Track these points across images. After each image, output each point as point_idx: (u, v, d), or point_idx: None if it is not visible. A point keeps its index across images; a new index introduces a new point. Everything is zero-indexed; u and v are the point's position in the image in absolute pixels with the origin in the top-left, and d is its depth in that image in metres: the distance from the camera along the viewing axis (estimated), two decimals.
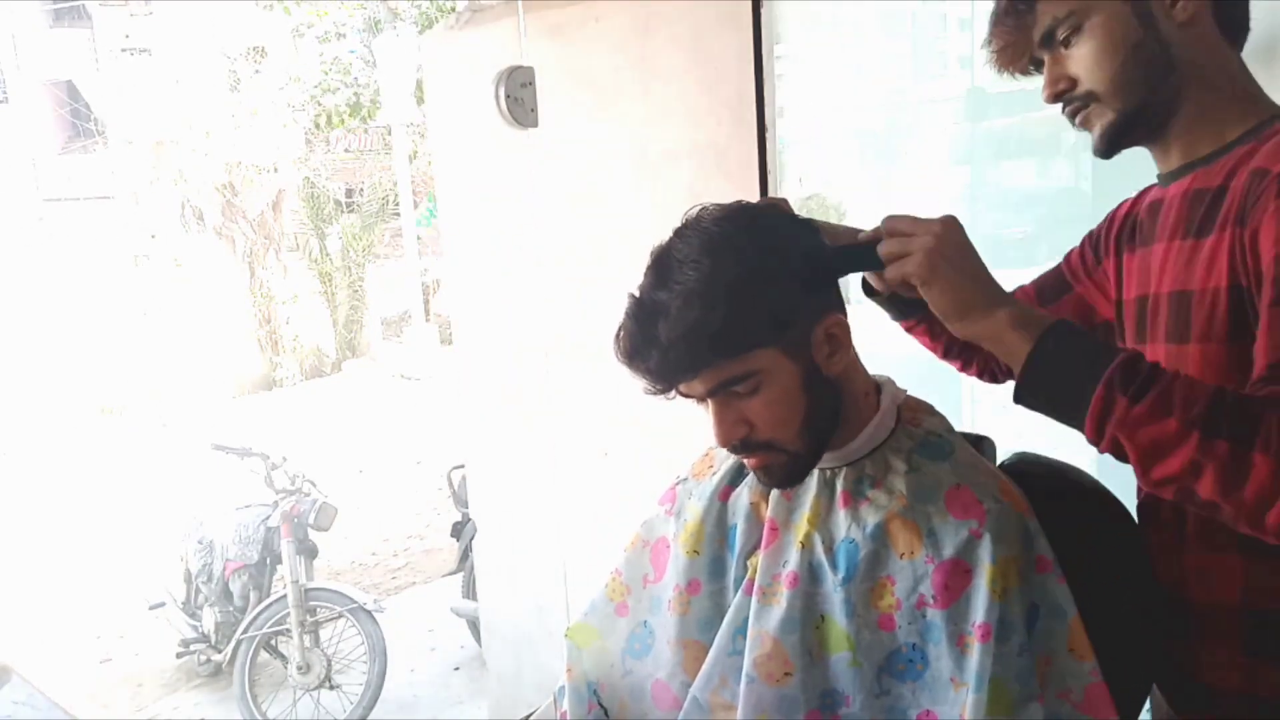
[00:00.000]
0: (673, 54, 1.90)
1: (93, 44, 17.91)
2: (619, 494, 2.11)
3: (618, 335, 0.81)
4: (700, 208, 0.84)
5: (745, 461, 0.87)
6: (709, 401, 0.82)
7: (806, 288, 0.82)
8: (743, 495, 0.92)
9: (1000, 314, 0.77)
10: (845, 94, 2.04)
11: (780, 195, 1.80)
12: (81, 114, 15.57)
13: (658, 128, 1.96)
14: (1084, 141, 0.90)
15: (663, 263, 0.81)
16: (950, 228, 0.80)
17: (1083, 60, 0.84)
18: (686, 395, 0.83)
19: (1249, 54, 0.88)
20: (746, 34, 1.75)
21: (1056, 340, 0.75)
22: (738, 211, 0.83)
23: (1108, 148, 0.87)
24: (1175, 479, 0.69)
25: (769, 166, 1.78)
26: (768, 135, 1.78)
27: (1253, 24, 0.87)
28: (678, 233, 0.83)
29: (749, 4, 1.74)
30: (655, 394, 0.80)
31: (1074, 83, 0.86)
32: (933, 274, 0.78)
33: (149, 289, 10.82)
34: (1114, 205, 1.02)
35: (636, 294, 0.82)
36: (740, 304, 0.77)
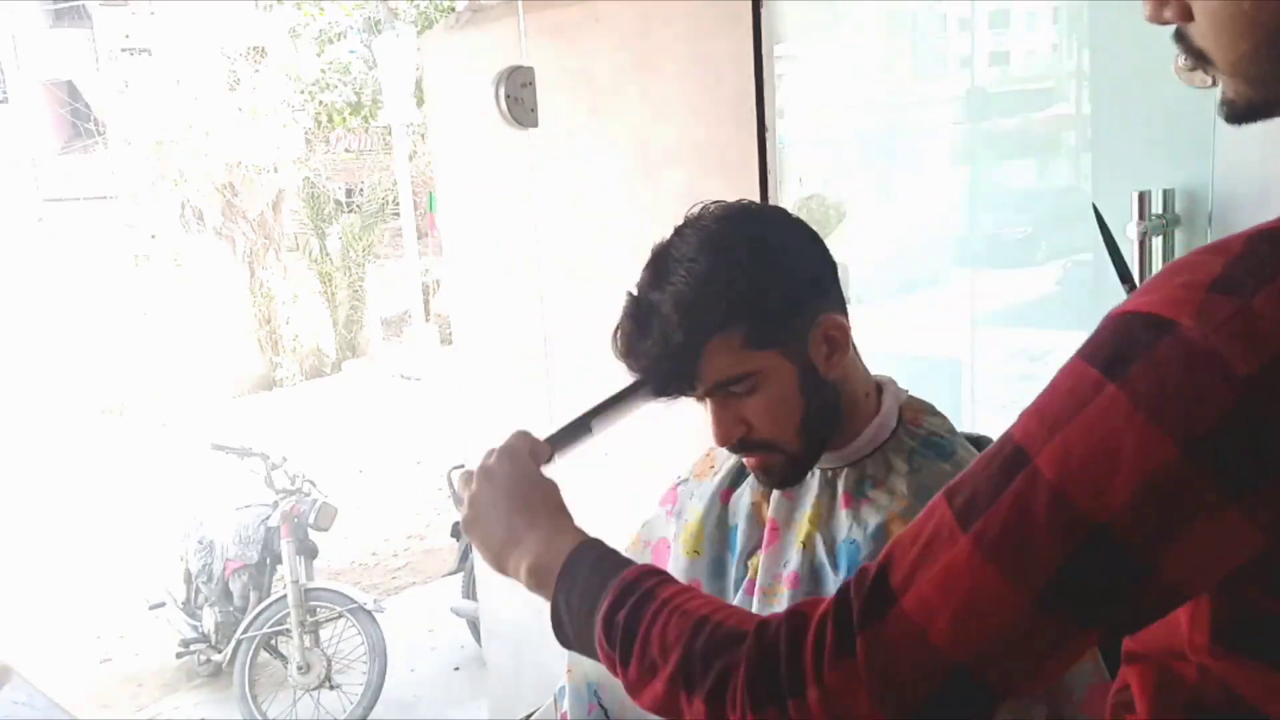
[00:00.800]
0: (673, 54, 1.90)
1: (93, 44, 17.91)
2: (619, 494, 2.11)
3: (615, 333, 0.82)
4: (702, 206, 0.84)
5: (744, 461, 0.87)
6: (707, 401, 0.82)
7: (804, 289, 0.81)
8: (744, 496, 0.92)
9: (522, 565, 0.69)
10: (845, 94, 2.04)
11: (780, 195, 1.80)
12: (81, 114, 15.56)
13: (658, 128, 1.96)
14: (1084, 141, 0.90)
15: (660, 261, 0.81)
16: (482, 477, 0.73)
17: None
18: (685, 394, 0.83)
19: None
20: (746, 34, 1.75)
21: (567, 589, 0.65)
22: (737, 211, 0.83)
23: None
24: None
25: (769, 166, 1.78)
26: (768, 135, 1.78)
27: None
28: (677, 231, 0.83)
29: (749, 4, 1.74)
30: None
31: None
32: (469, 532, 0.74)
33: (149, 289, 10.82)
34: (1114, 205, 1.00)
35: (634, 292, 0.82)
36: (735, 304, 0.77)
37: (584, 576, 0.65)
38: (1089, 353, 0.45)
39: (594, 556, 0.66)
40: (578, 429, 0.81)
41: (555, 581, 0.66)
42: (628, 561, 0.65)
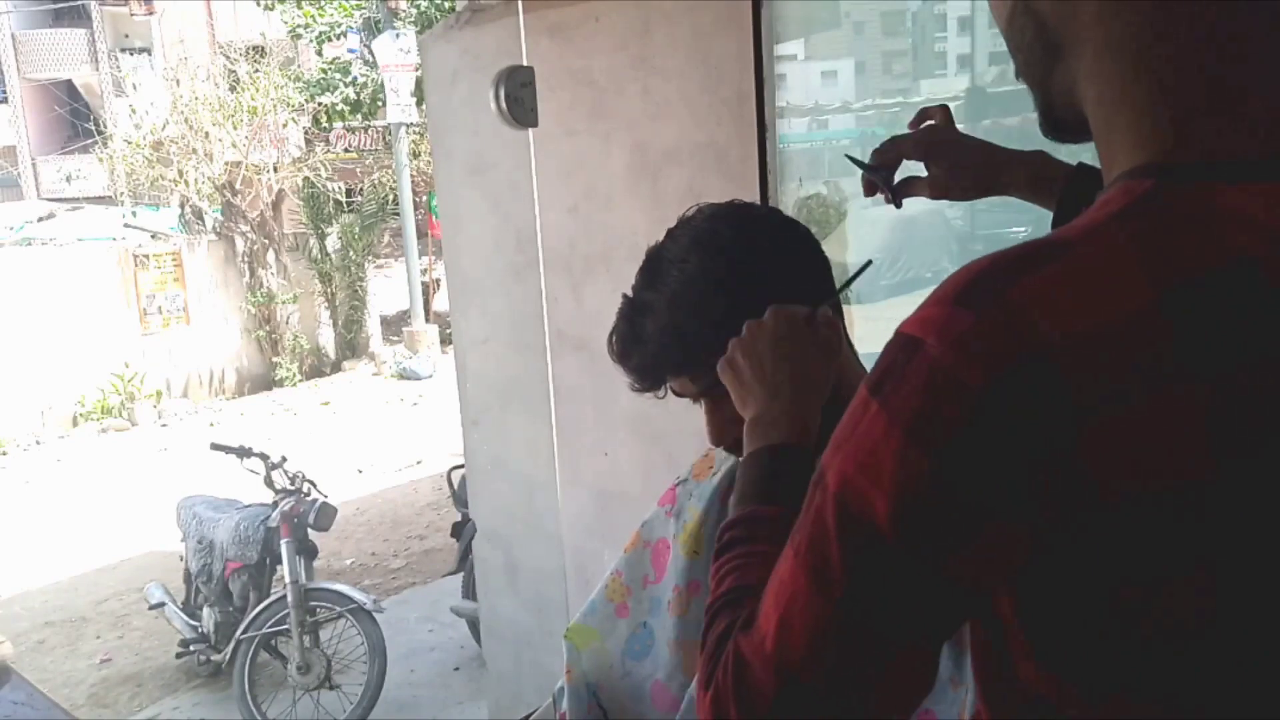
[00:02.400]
0: (673, 54, 1.90)
1: (92, 44, 17.92)
2: (619, 494, 2.11)
3: (610, 336, 0.82)
4: (696, 207, 0.84)
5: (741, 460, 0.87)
6: (702, 401, 0.82)
7: (796, 287, 0.81)
8: None
9: (747, 414, 0.73)
10: (845, 94, 2.04)
11: (780, 195, 1.80)
12: (81, 114, 15.57)
13: (658, 127, 1.96)
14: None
15: (653, 262, 0.82)
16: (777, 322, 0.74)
17: None
18: (680, 394, 0.83)
19: None
20: (746, 34, 1.75)
21: (754, 459, 0.70)
22: (728, 211, 0.83)
23: None
24: None
25: (769, 166, 1.78)
26: (768, 135, 1.78)
27: None
28: (670, 232, 0.83)
29: (749, 4, 1.74)
30: (642, 392, 0.80)
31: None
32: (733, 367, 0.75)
33: (149, 289, 10.82)
34: None
35: (629, 294, 0.82)
36: (726, 304, 0.77)
37: (751, 475, 0.69)
38: (869, 374, 0.48)
39: (771, 467, 0.69)
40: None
41: (745, 448, 0.71)
42: (784, 490, 0.68)
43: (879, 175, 0.88)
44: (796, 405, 0.72)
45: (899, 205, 0.92)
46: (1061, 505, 0.42)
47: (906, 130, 0.93)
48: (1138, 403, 0.41)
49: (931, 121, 0.91)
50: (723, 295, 0.78)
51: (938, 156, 0.90)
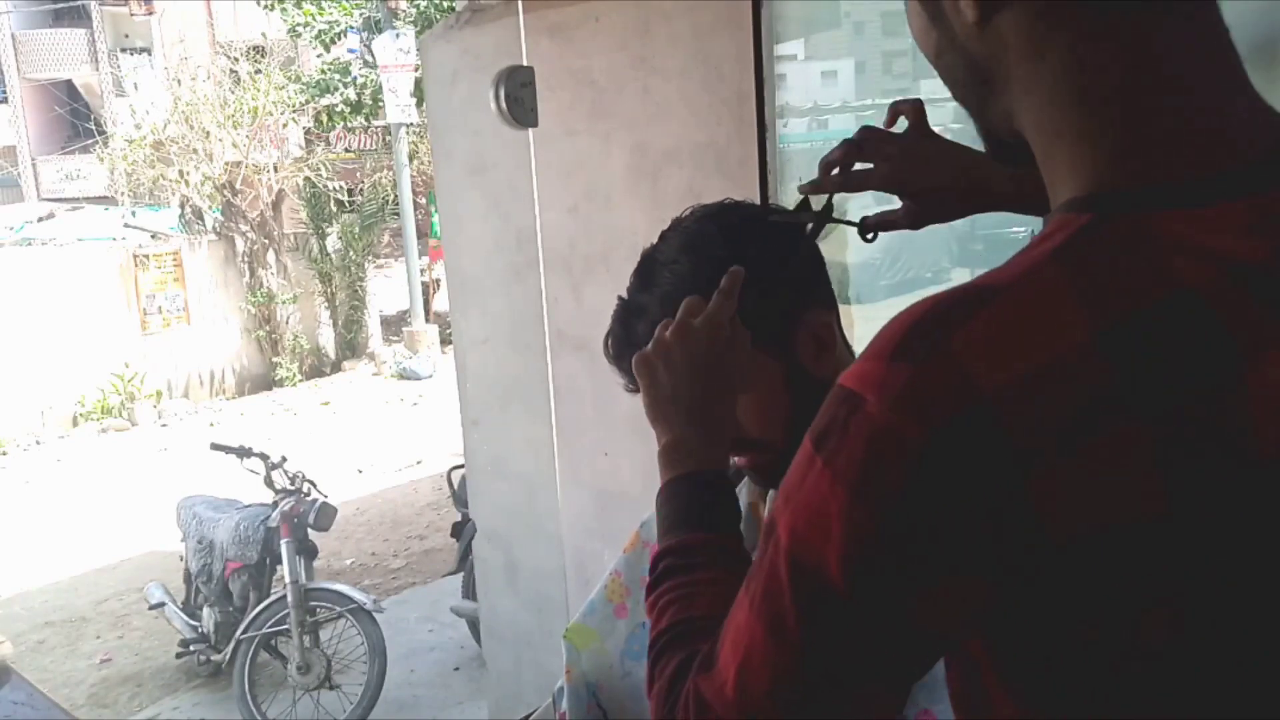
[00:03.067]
0: (673, 54, 1.90)
1: (92, 44, 17.92)
2: (619, 494, 2.11)
3: (605, 337, 0.82)
4: (690, 209, 0.84)
5: (735, 461, 0.87)
6: None
7: (787, 286, 0.81)
8: (740, 496, 0.92)
9: (660, 441, 0.71)
10: (845, 94, 2.04)
11: (780, 195, 1.80)
12: (81, 114, 15.58)
13: (658, 127, 1.96)
14: None
15: (646, 264, 0.82)
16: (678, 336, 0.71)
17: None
18: None
19: (1249, 59, 0.87)
20: (746, 34, 1.75)
21: (670, 488, 0.68)
22: (719, 210, 0.83)
23: None
24: None
25: (769, 166, 1.78)
26: (768, 135, 1.78)
27: (1253, 24, 0.84)
28: (663, 234, 0.83)
29: (749, 4, 1.74)
30: (636, 393, 0.80)
31: None
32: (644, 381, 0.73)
33: (149, 289, 10.82)
34: None
35: (624, 296, 0.82)
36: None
37: (675, 504, 0.68)
38: (813, 425, 0.47)
39: (694, 493, 0.68)
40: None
41: (662, 477, 0.69)
42: (713, 516, 0.67)
43: (818, 219, 0.81)
44: (712, 431, 0.70)
45: (871, 240, 0.87)
46: (1014, 553, 0.41)
47: (883, 130, 0.85)
48: (1081, 446, 0.40)
49: (894, 131, 0.84)
50: (699, 287, 0.77)
51: (909, 181, 0.82)
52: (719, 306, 0.72)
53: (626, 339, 0.80)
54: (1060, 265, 0.42)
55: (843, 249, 2.06)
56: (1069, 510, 0.40)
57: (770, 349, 0.79)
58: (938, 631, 0.45)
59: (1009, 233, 1.83)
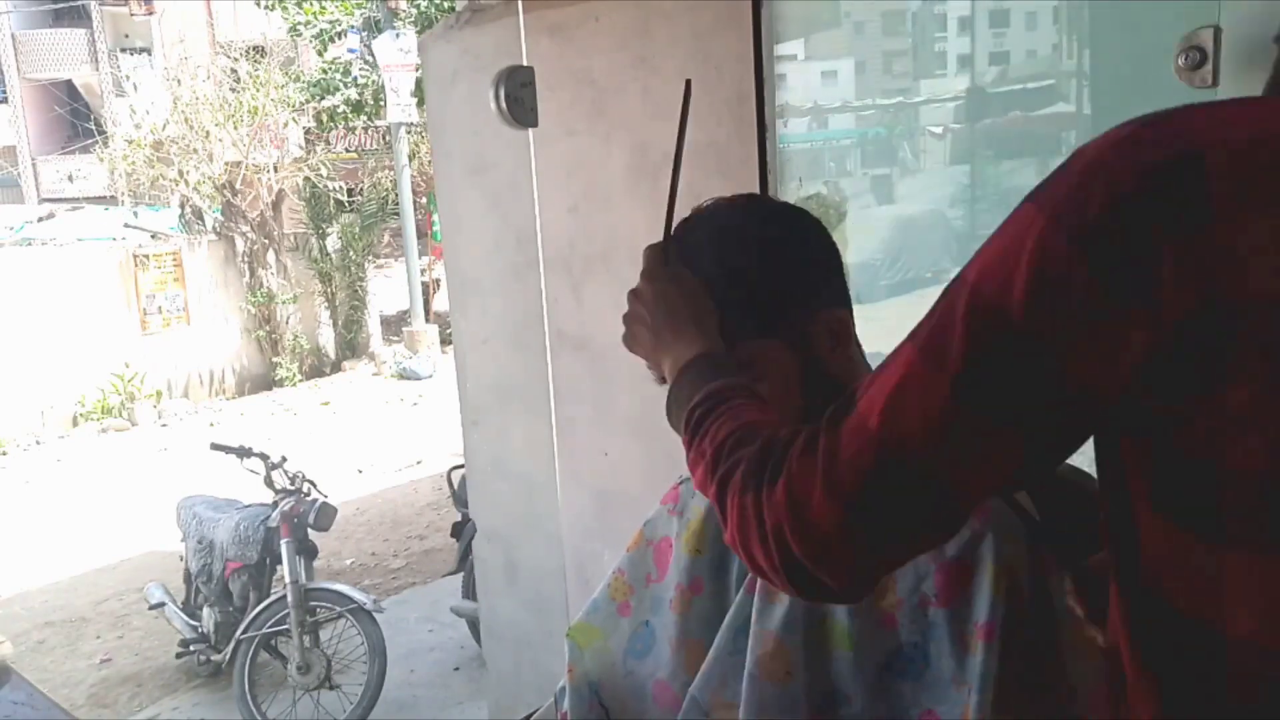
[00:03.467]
0: (673, 54, 1.90)
1: (92, 44, 17.92)
2: (619, 494, 2.11)
3: (625, 318, 0.83)
4: (711, 200, 0.85)
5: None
6: None
7: (806, 279, 0.82)
8: None
9: (665, 367, 0.77)
10: (845, 94, 2.04)
11: (780, 195, 1.80)
12: (81, 114, 15.57)
13: (658, 127, 1.96)
14: (1084, 141, 0.89)
15: (671, 228, 0.83)
16: (631, 299, 0.80)
17: None
18: None
19: (1250, 59, 0.87)
20: (746, 34, 1.75)
21: (683, 375, 0.74)
22: (746, 202, 0.84)
23: None
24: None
25: (769, 166, 1.78)
26: (768, 135, 1.78)
27: (1253, 24, 0.85)
28: (683, 221, 0.84)
29: (749, 4, 1.74)
30: (663, 383, 0.81)
31: None
32: (630, 348, 0.81)
33: (149, 289, 10.82)
34: None
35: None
36: (743, 291, 0.78)
37: (690, 378, 0.72)
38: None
39: (704, 365, 0.73)
40: (672, 202, 0.84)
41: (672, 380, 0.74)
42: (729, 372, 0.72)
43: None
44: (701, 334, 0.75)
45: None
46: (1189, 304, 0.42)
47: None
48: (1272, 214, 0.42)
49: None
50: (739, 284, 0.78)
51: None
52: (647, 269, 0.79)
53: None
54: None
55: (843, 249, 2.06)
56: (1253, 274, 0.42)
57: (788, 340, 0.79)
58: (1093, 388, 0.46)
59: None
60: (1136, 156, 0.44)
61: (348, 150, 13.74)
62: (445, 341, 11.10)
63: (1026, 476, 0.50)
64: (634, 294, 0.80)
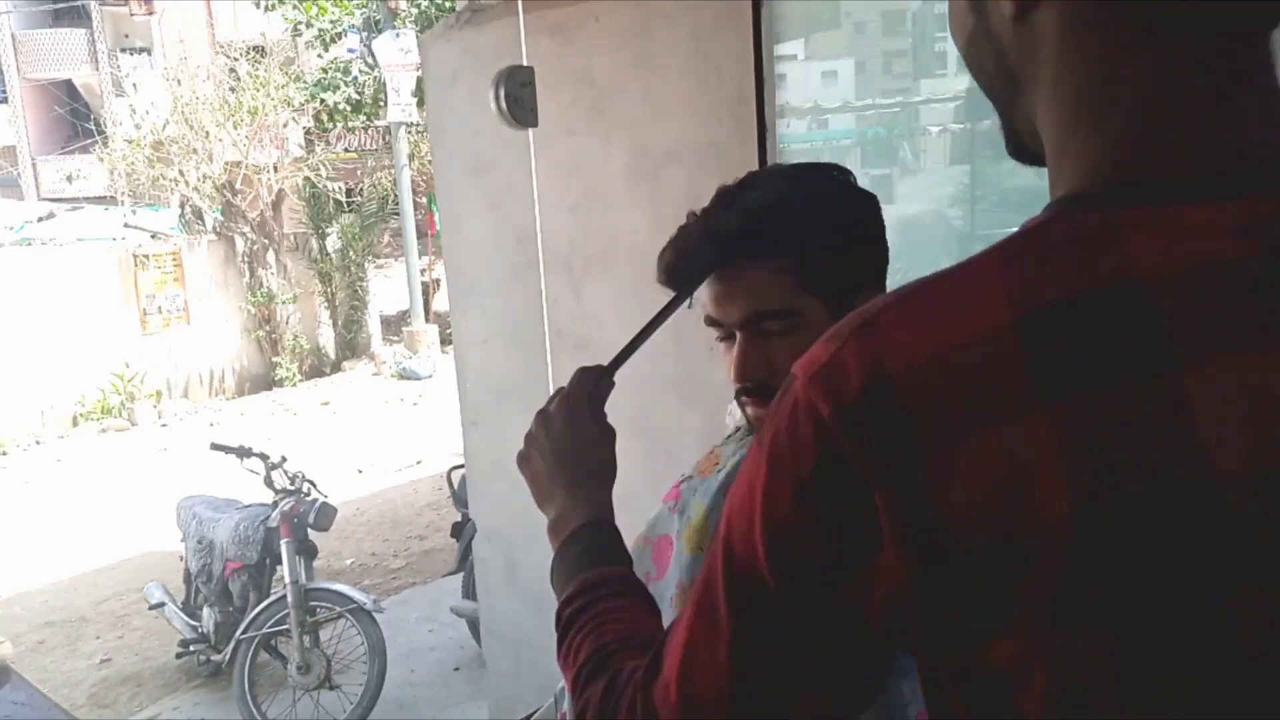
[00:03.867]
0: (673, 54, 1.90)
1: (92, 43, 17.92)
2: (619, 494, 2.11)
3: (661, 252, 0.80)
4: (774, 166, 0.86)
5: (747, 410, 0.86)
6: (737, 336, 0.81)
7: (869, 253, 0.83)
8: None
9: (546, 518, 0.75)
10: (845, 94, 2.04)
11: None
12: (81, 114, 15.57)
13: (658, 128, 1.96)
14: None
15: (732, 189, 0.81)
16: (540, 423, 0.78)
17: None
18: (718, 323, 0.82)
19: None
20: (746, 34, 1.75)
21: (556, 562, 0.71)
22: (826, 164, 0.85)
23: None
24: None
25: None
26: (768, 135, 1.78)
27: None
28: (751, 173, 0.83)
29: (749, 4, 1.74)
30: (671, 285, 0.78)
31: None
32: (520, 468, 0.80)
33: (149, 289, 10.82)
34: None
35: (696, 213, 0.82)
36: (805, 233, 0.78)
37: (570, 559, 0.70)
38: None
39: (585, 543, 0.71)
40: (629, 351, 0.80)
41: (554, 551, 0.73)
42: (607, 557, 0.69)
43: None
44: (594, 491, 0.74)
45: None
46: (920, 550, 0.39)
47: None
48: (982, 432, 0.37)
49: None
50: (804, 224, 0.78)
51: None
52: (569, 394, 0.76)
53: (724, 203, 0.79)
54: (999, 253, 0.41)
55: None
56: (968, 501, 0.38)
57: (832, 306, 0.79)
58: (867, 627, 0.42)
59: (1007, 232, 1.83)
60: (837, 391, 0.40)
61: (347, 150, 13.74)
62: (445, 341, 11.10)
63: (848, 708, 0.47)
64: (543, 417, 0.77)
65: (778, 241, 0.78)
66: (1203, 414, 0.37)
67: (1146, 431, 0.37)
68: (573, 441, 0.75)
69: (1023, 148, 0.49)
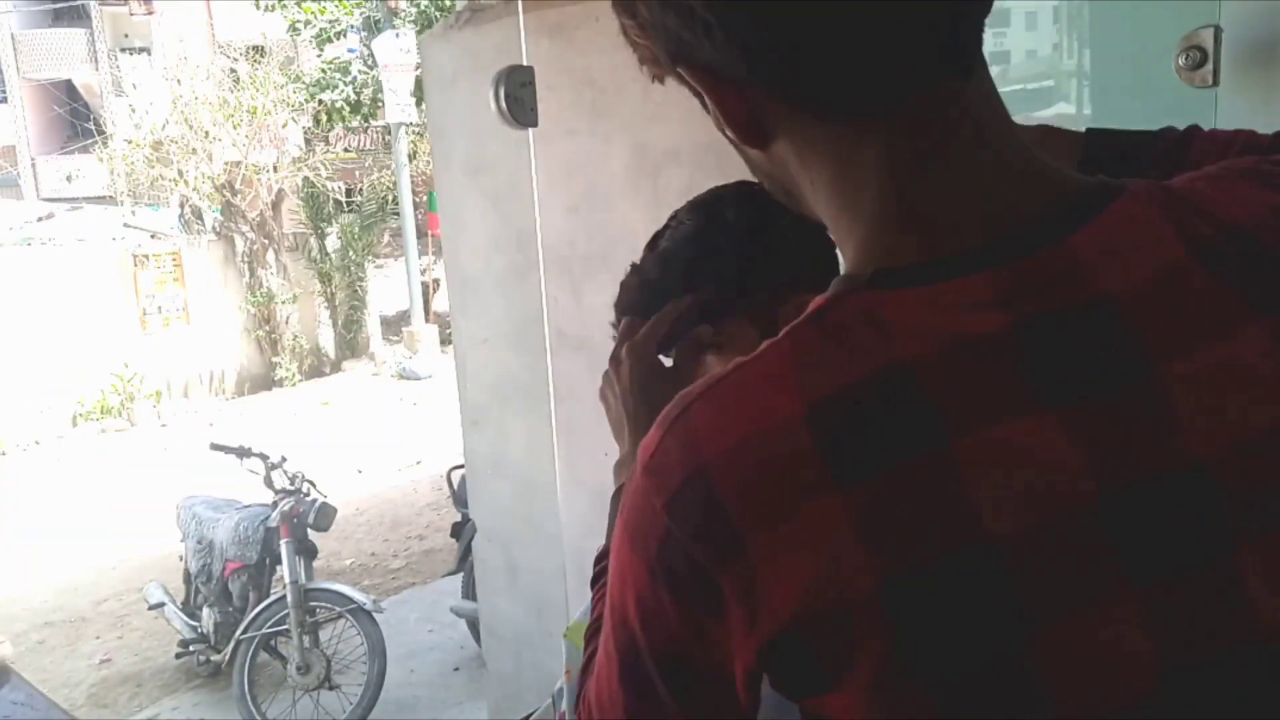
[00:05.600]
0: None
1: (92, 43, 17.92)
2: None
3: (616, 300, 0.85)
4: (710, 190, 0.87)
5: None
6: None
7: (785, 263, 0.82)
8: None
9: (620, 451, 0.78)
10: None
11: None
12: (80, 114, 15.58)
13: (657, 128, 1.96)
14: None
15: (656, 234, 0.85)
16: (613, 369, 0.80)
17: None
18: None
19: (1250, 59, 0.86)
20: None
21: (616, 496, 0.73)
22: (734, 185, 0.86)
23: None
24: None
25: None
26: None
27: (1253, 24, 0.84)
28: (667, 221, 0.87)
29: None
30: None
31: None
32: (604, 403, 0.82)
33: (149, 289, 10.82)
34: None
35: (635, 261, 0.86)
36: (711, 257, 0.80)
37: (613, 511, 0.73)
38: None
39: None
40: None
41: (613, 495, 0.75)
42: None
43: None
44: (633, 442, 0.76)
45: None
46: (760, 623, 0.41)
47: None
48: (787, 517, 0.40)
49: None
50: (710, 255, 0.80)
51: None
52: (646, 334, 0.78)
53: (622, 298, 0.84)
54: (790, 340, 0.44)
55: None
56: (783, 585, 0.40)
57: (756, 321, 0.80)
58: (728, 685, 0.45)
59: None
60: (663, 484, 0.43)
61: (347, 150, 13.75)
62: (445, 341, 11.10)
63: None
64: (614, 361, 0.79)
65: (691, 278, 0.80)
66: (972, 484, 0.39)
67: (927, 505, 0.39)
68: (637, 387, 0.76)
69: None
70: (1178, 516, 0.40)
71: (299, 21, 11.33)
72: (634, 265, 0.85)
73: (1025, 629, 0.39)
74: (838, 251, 0.83)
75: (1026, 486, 0.39)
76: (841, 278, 0.46)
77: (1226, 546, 0.40)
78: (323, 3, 11.29)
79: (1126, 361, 0.41)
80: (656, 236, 0.85)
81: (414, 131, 11.82)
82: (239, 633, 3.59)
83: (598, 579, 0.67)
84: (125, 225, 11.65)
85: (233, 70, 12.25)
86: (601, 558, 0.68)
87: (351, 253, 12.17)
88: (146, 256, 10.83)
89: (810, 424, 0.41)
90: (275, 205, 11.80)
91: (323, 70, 11.72)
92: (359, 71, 11.58)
